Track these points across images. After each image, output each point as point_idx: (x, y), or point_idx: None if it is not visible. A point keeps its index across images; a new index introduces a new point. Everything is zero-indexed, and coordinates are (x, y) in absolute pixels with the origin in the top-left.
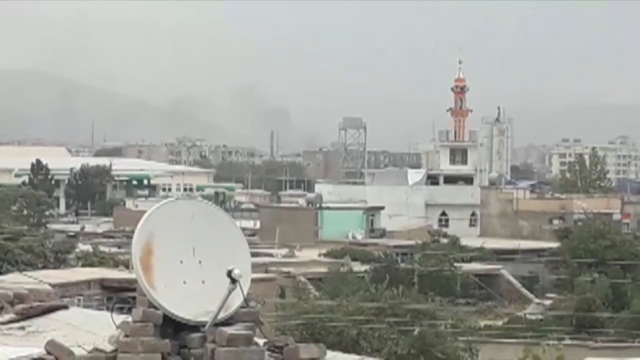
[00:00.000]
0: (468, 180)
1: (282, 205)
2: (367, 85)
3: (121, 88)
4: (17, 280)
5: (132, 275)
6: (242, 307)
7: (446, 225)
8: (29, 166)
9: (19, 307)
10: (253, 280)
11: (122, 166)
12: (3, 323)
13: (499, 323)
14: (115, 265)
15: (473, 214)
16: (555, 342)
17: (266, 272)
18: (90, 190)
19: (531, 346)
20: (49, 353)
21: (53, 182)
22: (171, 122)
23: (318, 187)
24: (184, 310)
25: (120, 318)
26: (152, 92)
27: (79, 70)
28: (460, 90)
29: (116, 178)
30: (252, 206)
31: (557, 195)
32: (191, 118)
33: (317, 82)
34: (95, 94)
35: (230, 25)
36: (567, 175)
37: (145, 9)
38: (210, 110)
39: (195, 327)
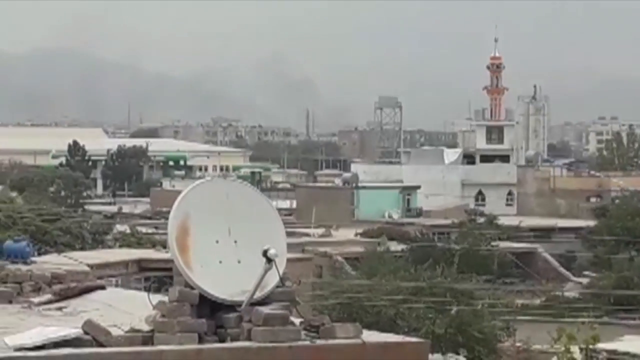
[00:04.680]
0: (504, 158)
1: (318, 185)
2: (402, 63)
3: (146, 64)
4: (56, 262)
5: (169, 256)
6: (278, 286)
7: (483, 204)
8: (66, 148)
9: (57, 287)
10: (289, 260)
11: (159, 147)
12: (41, 303)
13: (536, 302)
14: (153, 245)
15: (510, 193)
16: (591, 320)
17: (303, 252)
18: (127, 171)
19: (566, 325)
20: (86, 333)
21: (90, 163)
22: (199, 97)
23: (354, 167)
24: (220, 290)
25: (157, 298)
26: (177, 68)
27: (104, 48)
28: (496, 69)
29: (153, 159)
30: (288, 186)
31: (594, 173)
32: (219, 93)
33: (346, 57)
34: (121, 70)
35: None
36: (604, 153)
37: None
38: (237, 84)
39: (232, 306)
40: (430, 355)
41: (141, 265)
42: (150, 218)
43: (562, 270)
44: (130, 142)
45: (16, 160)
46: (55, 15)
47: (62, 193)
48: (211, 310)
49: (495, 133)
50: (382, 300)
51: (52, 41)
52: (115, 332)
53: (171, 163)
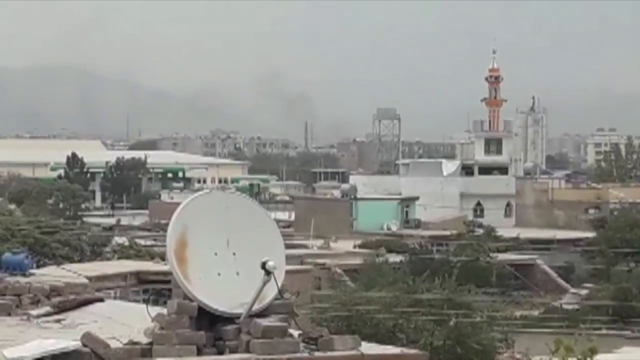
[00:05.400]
0: (503, 170)
1: (316, 196)
2: (401, 75)
3: (143, 80)
4: (54, 274)
5: (168, 268)
6: (276, 298)
7: (481, 216)
8: (64, 160)
9: (56, 300)
10: (288, 272)
11: (157, 159)
12: (40, 316)
13: (535, 313)
14: (151, 257)
15: (508, 204)
16: (589, 332)
17: (301, 263)
18: (126, 183)
19: (564, 336)
20: (84, 345)
21: (89, 175)
22: (197, 113)
23: (352, 179)
24: (219, 302)
25: (155, 310)
26: (174, 84)
27: (103, 63)
28: (494, 80)
29: (151, 171)
30: (286, 198)
31: (592, 184)
32: (216, 109)
33: (345, 70)
34: (121, 85)
35: (251, 12)
36: (603, 164)
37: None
38: (236, 99)
39: (230, 319)
40: None
41: (140, 278)
42: (149, 230)
43: (561, 281)
44: (129, 154)
45: (15, 172)
46: (55, 31)
47: (61, 205)
48: (210, 323)
49: (493, 145)
50: (381, 312)
51: (52, 56)
52: (114, 344)
53: (170, 175)
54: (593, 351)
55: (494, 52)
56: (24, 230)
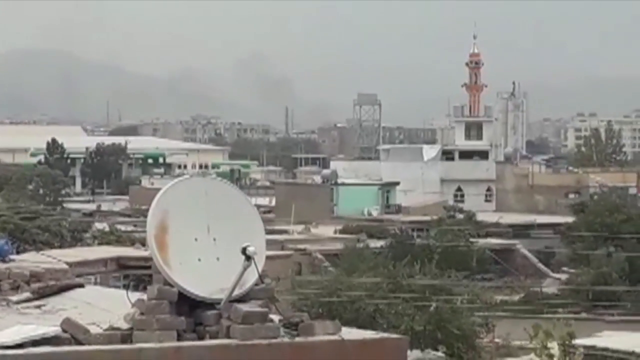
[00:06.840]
0: (483, 155)
1: (297, 182)
2: (381, 60)
3: (125, 64)
4: (34, 260)
5: (148, 253)
6: (257, 284)
7: (462, 201)
8: (44, 145)
9: (36, 285)
10: (268, 257)
11: (138, 145)
12: (19, 302)
13: (515, 298)
14: (132, 243)
15: (488, 189)
16: (568, 316)
17: (282, 249)
18: (106, 168)
19: (544, 321)
20: (64, 331)
21: (69, 161)
22: (178, 96)
23: (333, 164)
24: (199, 287)
25: (136, 296)
26: (156, 68)
27: (84, 48)
28: (475, 65)
29: (132, 156)
30: (267, 183)
31: (572, 169)
32: (197, 93)
33: (326, 55)
34: (101, 70)
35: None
36: (583, 149)
37: None
38: (216, 83)
39: (211, 304)
40: (409, 352)
41: (120, 263)
42: (129, 216)
43: (541, 266)
44: (109, 140)
45: None
46: (36, 16)
47: (41, 191)
48: (190, 308)
49: (474, 129)
50: (361, 297)
51: (33, 41)
52: (94, 330)
53: (150, 161)
54: (571, 336)
55: (474, 37)
56: (4, 216)
